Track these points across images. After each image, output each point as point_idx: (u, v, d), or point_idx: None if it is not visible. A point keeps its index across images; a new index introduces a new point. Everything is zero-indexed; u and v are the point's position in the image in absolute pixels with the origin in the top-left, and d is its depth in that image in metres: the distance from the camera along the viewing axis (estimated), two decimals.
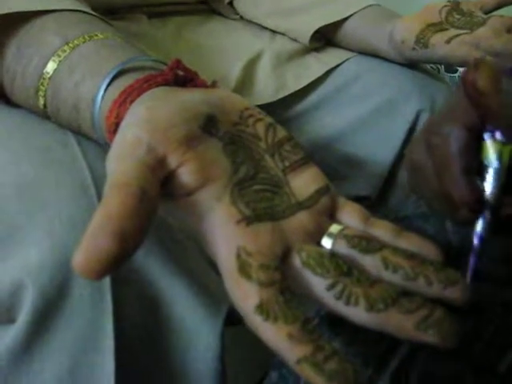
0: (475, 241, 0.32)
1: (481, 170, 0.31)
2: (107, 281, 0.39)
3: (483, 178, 0.31)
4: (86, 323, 0.39)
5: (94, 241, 0.25)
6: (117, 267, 0.25)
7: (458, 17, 0.69)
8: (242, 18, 0.80)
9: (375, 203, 0.71)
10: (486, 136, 0.31)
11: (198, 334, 0.44)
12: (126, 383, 0.41)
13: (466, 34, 0.66)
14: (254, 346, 0.28)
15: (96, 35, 0.42)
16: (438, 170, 0.32)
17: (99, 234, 0.25)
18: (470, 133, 0.31)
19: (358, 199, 0.36)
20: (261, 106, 0.36)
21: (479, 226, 0.32)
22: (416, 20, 0.68)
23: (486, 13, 0.70)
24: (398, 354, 0.37)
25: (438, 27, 0.67)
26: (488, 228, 0.31)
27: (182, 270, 0.43)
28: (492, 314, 0.37)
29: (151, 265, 0.41)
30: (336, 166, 0.70)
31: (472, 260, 0.32)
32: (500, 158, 0.30)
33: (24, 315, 0.38)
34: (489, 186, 0.31)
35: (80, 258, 0.24)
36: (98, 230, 0.25)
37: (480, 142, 0.31)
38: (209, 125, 0.32)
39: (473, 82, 0.29)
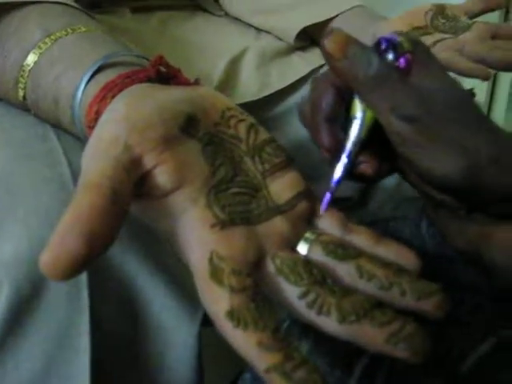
0: (332, 182, 0.35)
1: (348, 125, 0.35)
2: (84, 278, 0.39)
3: (347, 130, 0.34)
4: (62, 320, 0.39)
5: (61, 241, 0.24)
6: (84, 268, 0.24)
7: (443, 21, 0.69)
8: (227, 14, 0.79)
9: (355, 205, 0.71)
10: (355, 95, 0.34)
11: (175, 333, 0.43)
12: (101, 381, 0.41)
13: (450, 38, 0.66)
14: (229, 346, 0.28)
15: (79, 28, 0.41)
16: (310, 118, 0.36)
17: (67, 234, 0.24)
18: (336, 90, 0.35)
19: (338, 200, 0.35)
20: (244, 105, 0.36)
21: (337, 169, 0.35)
22: (401, 23, 0.68)
23: (470, 18, 0.70)
24: (366, 354, 0.37)
25: (422, 31, 0.67)
26: (344, 173, 0.34)
27: (160, 269, 0.42)
28: (456, 315, 0.37)
29: (129, 263, 0.41)
30: (318, 167, 0.70)
31: (327, 196, 0.34)
32: (363, 112, 0.34)
33: None
34: (350, 136, 0.34)
35: (47, 258, 0.24)
36: (67, 230, 0.24)
37: (352, 99, 0.34)
38: (188, 125, 0.31)
39: (323, 48, 0.32)
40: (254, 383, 0.40)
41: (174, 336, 0.43)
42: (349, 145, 0.34)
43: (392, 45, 0.33)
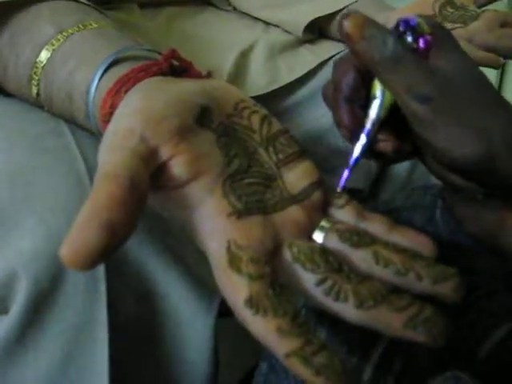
0: (351, 160, 0.35)
1: (368, 104, 0.35)
2: (101, 271, 0.39)
3: (367, 110, 0.35)
4: (80, 314, 0.39)
5: (81, 232, 0.24)
6: (104, 259, 0.25)
7: (451, 10, 0.69)
8: (235, 9, 0.80)
9: (367, 196, 0.71)
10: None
11: (191, 326, 0.44)
12: (119, 374, 0.41)
13: (459, 28, 0.66)
14: (246, 336, 0.28)
15: (90, 24, 0.42)
16: (332, 98, 0.37)
17: (87, 225, 0.24)
18: (356, 70, 0.35)
19: (350, 192, 0.36)
20: (253, 98, 0.36)
21: (356, 148, 0.35)
22: (409, 13, 0.68)
23: (479, 7, 0.70)
24: (382, 341, 0.37)
25: None
26: (362, 151, 0.35)
27: (176, 262, 0.43)
28: (472, 300, 0.38)
29: (145, 256, 0.41)
30: (329, 159, 0.70)
31: (345, 173, 0.35)
32: (383, 92, 0.34)
33: (17, 306, 0.38)
34: (370, 115, 0.35)
35: (67, 250, 0.24)
36: (86, 221, 0.25)
37: (372, 80, 0.35)
38: (203, 117, 0.31)
39: (342, 29, 0.33)
40: (270, 372, 0.40)
41: (191, 328, 0.44)
42: (368, 124, 0.35)
43: (411, 27, 0.33)
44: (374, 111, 0.35)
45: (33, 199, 0.39)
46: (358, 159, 0.35)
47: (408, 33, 0.34)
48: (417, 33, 0.33)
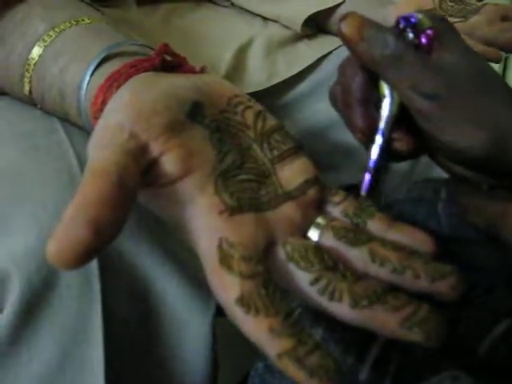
0: (370, 163, 0.35)
1: (379, 104, 0.35)
2: (95, 270, 0.39)
3: (379, 110, 0.34)
4: (74, 314, 0.39)
5: (67, 229, 0.24)
6: (92, 256, 0.24)
7: (451, 4, 0.68)
8: (233, 4, 0.79)
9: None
10: None
11: (189, 325, 0.43)
12: (115, 374, 0.41)
13: (459, 21, 0.65)
14: (242, 335, 0.27)
15: (83, 20, 0.41)
16: (342, 102, 0.37)
17: (73, 222, 0.24)
18: (364, 71, 0.35)
19: (351, 187, 0.35)
20: (252, 94, 0.36)
21: (373, 150, 0.35)
22: (409, 6, 0.67)
23: (479, 0, 0.69)
24: (379, 340, 0.37)
25: None
26: (380, 152, 0.35)
27: (173, 260, 0.42)
28: (472, 296, 0.37)
29: (141, 255, 0.41)
30: (329, 155, 0.70)
31: (367, 177, 0.35)
32: (391, 91, 0.34)
33: (10, 306, 0.38)
34: (382, 115, 0.34)
35: (53, 247, 0.23)
36: (72, 218, 0.24)
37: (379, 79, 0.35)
38: (195, 112, 0.31)
39: (341, 31, 0.33)
40: (266, 373, 0.39)
41: (188, 327, 0.43)
42: (381, 124, 0.34)
43: (411, 23, 0.33)
44: (385, 110, 0.34)
45: (25, 197, 0.39)
46: (377, 161, 0.34)
47: (409, 30, 0.33)
48: (418, 29, 0.33)
